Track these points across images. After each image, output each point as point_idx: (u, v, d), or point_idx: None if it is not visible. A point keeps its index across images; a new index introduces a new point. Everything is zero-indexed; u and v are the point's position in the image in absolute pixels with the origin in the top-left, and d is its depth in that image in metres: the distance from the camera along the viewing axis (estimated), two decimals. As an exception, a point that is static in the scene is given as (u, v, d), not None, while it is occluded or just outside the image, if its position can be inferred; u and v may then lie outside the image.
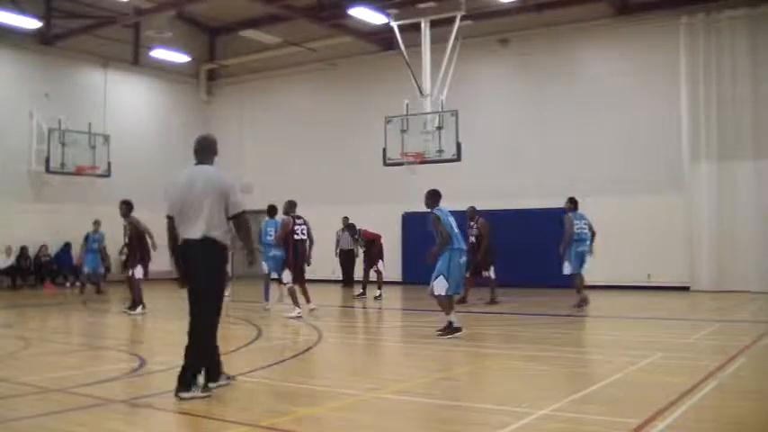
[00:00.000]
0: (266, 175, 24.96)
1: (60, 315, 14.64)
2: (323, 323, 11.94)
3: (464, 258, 9.95)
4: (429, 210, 9.93)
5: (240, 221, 6.33)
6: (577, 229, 13.71)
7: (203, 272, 6.19)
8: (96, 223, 18.42)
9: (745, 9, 18.01)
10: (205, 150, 6.47)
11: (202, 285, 6.20)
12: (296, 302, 12.60)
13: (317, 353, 9.06)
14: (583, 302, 13.74)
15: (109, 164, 22.41)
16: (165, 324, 12.91)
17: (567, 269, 13.72)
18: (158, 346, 9.15)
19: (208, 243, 6.15)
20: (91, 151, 22.16)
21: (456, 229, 9.83)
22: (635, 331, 11.33)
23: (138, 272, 13.54)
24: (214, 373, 6.40)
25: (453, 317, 9.86)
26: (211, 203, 6.14)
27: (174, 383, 6.08)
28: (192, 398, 5.99)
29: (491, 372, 7.90)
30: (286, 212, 12.84)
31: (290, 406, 5.96)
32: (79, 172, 21.91)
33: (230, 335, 11.35)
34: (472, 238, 14.65)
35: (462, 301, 14.41)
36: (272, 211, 14.65)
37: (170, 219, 6.34)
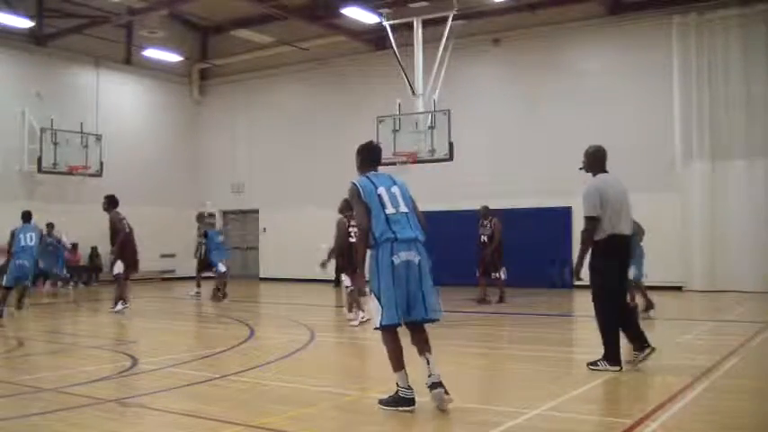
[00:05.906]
0: (258, 174, 24.91)
1: (52, 315, 14.57)
2: (317, 323, 11.93)
3: None
4: None
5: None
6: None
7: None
8: (49, 226, 18.62)
9: (738, 9, 17.99)
10: (603, 161, 7.85)
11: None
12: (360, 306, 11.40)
13: (309, 352, 9.04)
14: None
15: (101, 163, 22.29)
16: (156, 324, 12.89)
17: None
18: (150, 345, 9.14)
19: (630, 238, 7.49)
20: (83, 151, 22.00)
21: None
22: (628, 330, 11.31)
23: (117, 267, 13.63)
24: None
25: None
26: (629, 205, 7.57)
27: (167, 383, 6.06)
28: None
29: (485, 371, 7.91)
30: (341, 211, 11.49)
31: (283, 406, 5.95)
32: (71, 172, 21.82)
33: (223, 334, 11.34)
34: (484, 238, 14.67)
35: (483, 301, 14.52)
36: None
37: (595, 220, 7.28)
